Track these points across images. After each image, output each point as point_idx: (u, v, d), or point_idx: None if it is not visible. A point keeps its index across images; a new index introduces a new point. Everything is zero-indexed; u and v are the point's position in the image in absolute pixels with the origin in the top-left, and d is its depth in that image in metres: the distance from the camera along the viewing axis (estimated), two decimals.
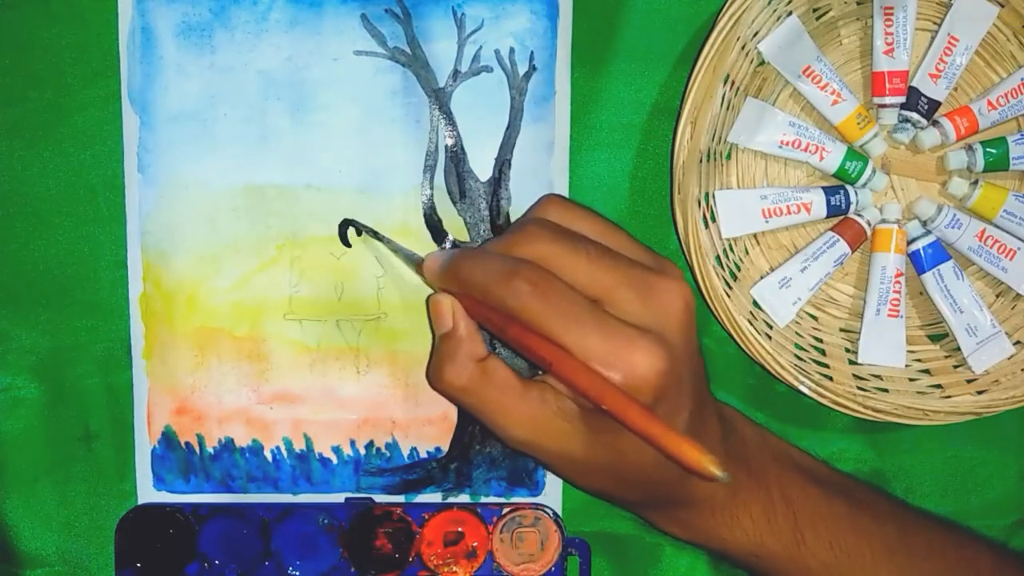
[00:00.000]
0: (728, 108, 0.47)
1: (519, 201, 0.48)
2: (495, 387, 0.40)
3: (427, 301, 0.42)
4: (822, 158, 0.48)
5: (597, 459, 0.40)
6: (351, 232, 0.48)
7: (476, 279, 0.39)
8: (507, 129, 0.48)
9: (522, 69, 0.48)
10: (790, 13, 0.47)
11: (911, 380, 0.49)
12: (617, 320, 0.38)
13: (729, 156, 0.49)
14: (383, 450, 0.49)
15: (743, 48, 0.46)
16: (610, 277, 0.38)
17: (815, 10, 0.48)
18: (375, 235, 0.48)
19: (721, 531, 0.44)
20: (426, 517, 0.48)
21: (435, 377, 0.41)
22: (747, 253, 0.50)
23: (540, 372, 0.41)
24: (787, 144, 0.48)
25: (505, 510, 0.48)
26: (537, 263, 0.38)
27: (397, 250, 0.47)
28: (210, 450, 0.49)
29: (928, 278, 0.49)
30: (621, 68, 0.48)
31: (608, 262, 0.39)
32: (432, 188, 0.48)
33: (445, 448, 0.49)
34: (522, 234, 0.39)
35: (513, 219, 0.48)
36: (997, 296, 0.51)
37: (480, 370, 0.40)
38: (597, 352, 0.37)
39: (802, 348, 0.49)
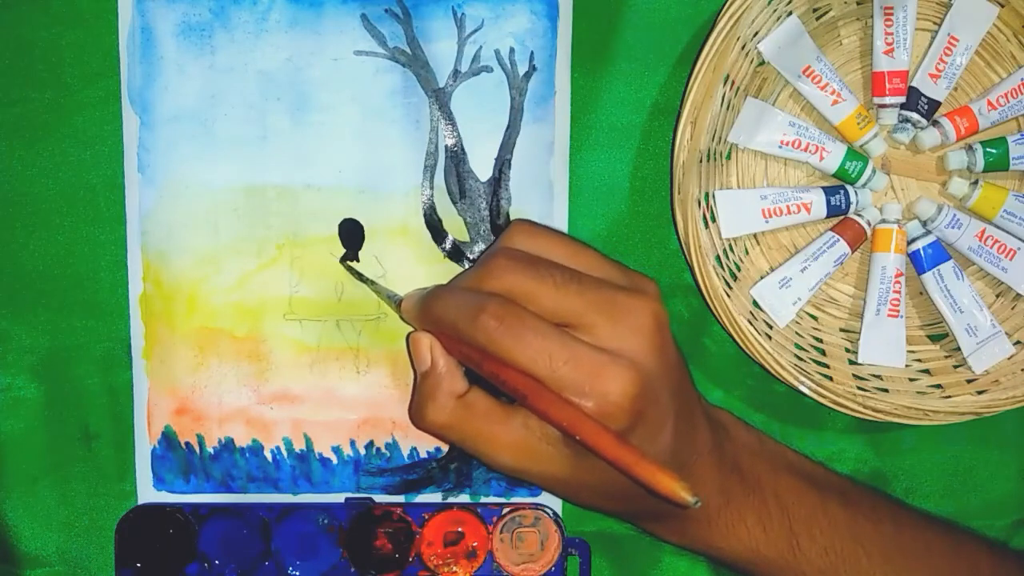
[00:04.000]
0: (728, 108, 0.47)
1: (519, 201, 0.48)
2: (477, 419, 0.40)
3: (407, 339, 0.42)
4: (822, 158, 0.48)
5: (583, 479, 0.40)
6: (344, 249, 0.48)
7: (446, 317, 0.39)
8: (507, 129, 0.48)
9: (522, 69, 0.48)
10: (790, 13, 0.47)
11: (911, 380, 0.49)
12: (587, 346, 0.38)
13: (729, 156, 0.49)
14: (383, 450, 0.49)
15: (743, 48, 0.46)
16: (578, 302, 0.38)
17: (815, 10, 0.48)
18: (359, 277, 0.48)
19: (716, 539, 0.44)
20: (426, 517, 0.48)
21: (417, 416, 0.41)
22: (747, 253, 0.50)
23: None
24: (787, 144, 0.48)
25: (505, 510, 0.48)
26: (505, 295, 0.38)
27: (379, 291, 0.47)
28: (210, 450, 0.49)
29: (928, 278, 0.49)
30: (621, 68, 0.48)
31: (575, 287, 0.39)
32: (432, 188, 0.48)
33: (445, 448, 0.49)
34: (489, 267, 0.39)
35: (513, 219, 0.48)
36: (997, 296, 0.51)
37: (461, 405, 0.40)
38: (568, 381, 0.37)
39: (802, 348, 0.49)
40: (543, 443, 0.39)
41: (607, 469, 0.38)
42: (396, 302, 0.45)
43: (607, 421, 0.37)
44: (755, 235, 0.50)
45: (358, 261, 0.48)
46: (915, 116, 0.49)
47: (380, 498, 0.49)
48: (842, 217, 0.49)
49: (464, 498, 0.49)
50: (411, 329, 0.44)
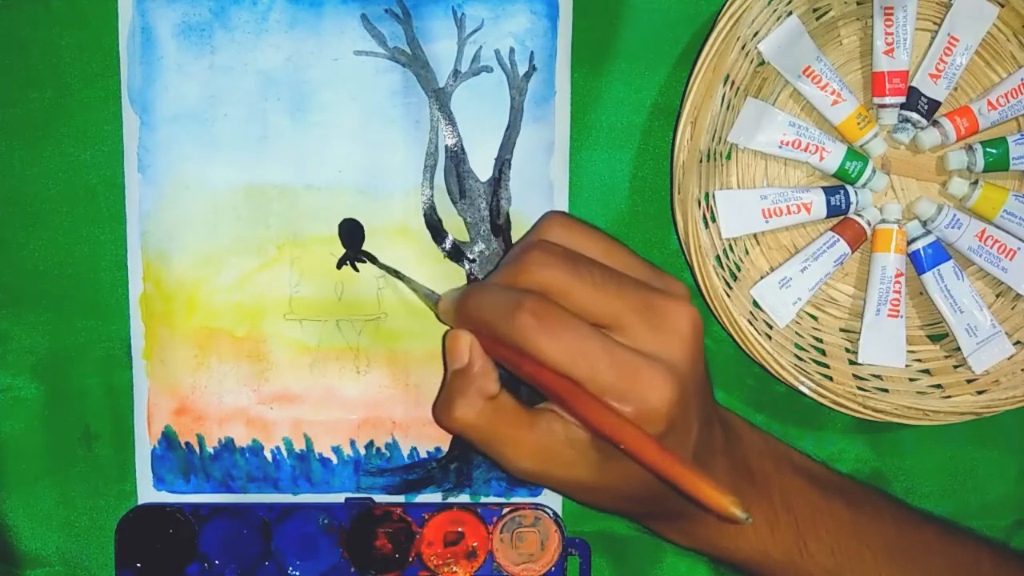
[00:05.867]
0: (728, 108, 0.47)
1: (519, 201, 0.48)
2: (504, 421, 0.39)
3: (443, 337, 0.41)
4: (822, 158, 0.48)
5: (606, 482, 0.40)
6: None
7: (482, 316, 0.39)
8: (507, 129, 0.48)
9: (522, 69, 0.48)
10: (790, 13, 0.47)
11: (911, 380, 0.49)
12: (625, 349, 0.37)
13: (729, 156, 0.49)
14: (383, 450, 0.49)
15: (743, 48, 0.46)
16: (617, 303, 0.38)
17: (815, 10, 0.48)
18: (396, 275, 0.47)
19: (725, 541, 0.44)
20: (426, 517, 0.48)
21: (444, 413, 0.40)
22: (747, 253, 0.50)
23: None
24: (787, 144, 0.48)
25: (505, 510, 0.48)
26: (542, 292, 0.37)
27: (416, 289, 0.47)
28: (210, 450, 0.49)
29: (928, 278, 0.49)
30: (621, 68, 0.48)
31: (614, 288, 0.38)
32: (432, 188, 0.48)
33: (445, 448, 0.49)
34: (525, 262, 0.38)
35: (513, 219, 0.48)
36: (997, 296, 0.51)
37: (491, 406, 0.39)
38: (608, 385, 0.36)
39: (802, 348, 0.49)
40: (568, 447, 0.39)
41: (631, 473, 0.37)
42: (434, 301, 0.45)
43: (645, 426, 0.36)
44: (755, 235, 0.50)
45: (360, 261, 0.48)
46: (915, 116, 0.49)
47: (380, 498, 0.49)
48: (842, 217, 0.49)
49: (464, 498, 0.49)
50: (443, 329, 0.43)
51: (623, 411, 0.36)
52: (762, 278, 0.49)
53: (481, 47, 0.47)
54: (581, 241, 0.40)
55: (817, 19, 0.48)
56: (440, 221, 0.48)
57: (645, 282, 0.39)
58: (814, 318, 0.50)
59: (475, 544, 0.48)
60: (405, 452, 0.49)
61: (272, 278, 0.48)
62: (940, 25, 0.48)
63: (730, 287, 0.48)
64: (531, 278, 0.38)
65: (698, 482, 0.35)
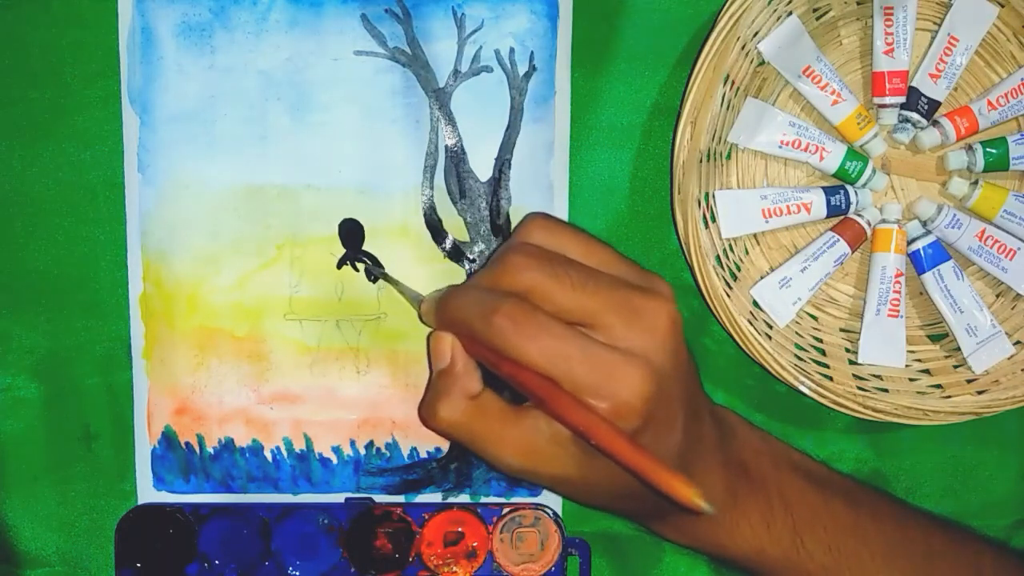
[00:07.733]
0: (728, 108, 0.47)
1: (519, 201, 0.48)
2: (488, 419, 0.40)
3: (427, 338, 0.42)
4: (822, 158, 0.48)
5: (592, 479, 0.40)
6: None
7: (461, 318, 0.39)
8: (507, 129, 0.48)
9: (522, 69, 0.48)
10: (790, 13, 0.47)
11: (911, 380, 0.49)
12: (602, 347, 0.37)
13: (729, 156, 0.49)
14: (383, 450, 0.49)
15: (743, 48, 0.46)
16: (595, 302, 0.38)
17: (815, 10, 0.48)
18: (386, 278, 0.48)
19: (720, 538, 0.44)
20: (426, 517, 0.48)
21: (428, 413, 0.41)
22: (747, 253, 0.50)
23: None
24: (787, 144, 0.48)
25: (505, 510, 0.48)
26: (521, 294, 0.38)
27: (404, 292, 0.47)
28: (210, 450, 0.49)
29: (928, 278, 0.49)
30: (621, 68, 0.48)
31: (592, 287, 0.38)
32: (432, 188, 0.48)
33: (445, 448, 0.49)
34: (505, 265, 0.39)
35: (513, 219, 0.48)
36: (997, 296, 0.51)
37: (474, 405, 0.40)
38: (583, 382, 0.37)
39: (802, 348, 0.49)
40: (552, 445, 0.39)
41: (616, 470, 0.38)
42: (418, 302, 0.45)
43: (620, 421, 0.37)
44: (755, 235, 0.50)
45: (360, 261, 0.48)
46: (915, 116, 0.49)
47: (380, 498, 0.49)
48: (842, 217, 0.49)
49: (464, 498, 0.49)
50: (430, 330, 0.43)
51: (598, 407, 0.37)
52: (762, 278, 0.49)
53: (481, 47, 0.47)
54: (562, 242, 0.40)
55: (817, 19, 0.48)
56: (440, 221, 0.48)
57: (625, 280, 0.39)
58: (814, 318, 0.50)
59: (475, 544, 0.48)
60: (405, 452, 0.49)
61: (272, 278, 0.48)
62: (940, 25, 0.48)
63: (730, 287, 0.48)
64: (510, 280, 0.38)
65: (661, 472, 0.35)
